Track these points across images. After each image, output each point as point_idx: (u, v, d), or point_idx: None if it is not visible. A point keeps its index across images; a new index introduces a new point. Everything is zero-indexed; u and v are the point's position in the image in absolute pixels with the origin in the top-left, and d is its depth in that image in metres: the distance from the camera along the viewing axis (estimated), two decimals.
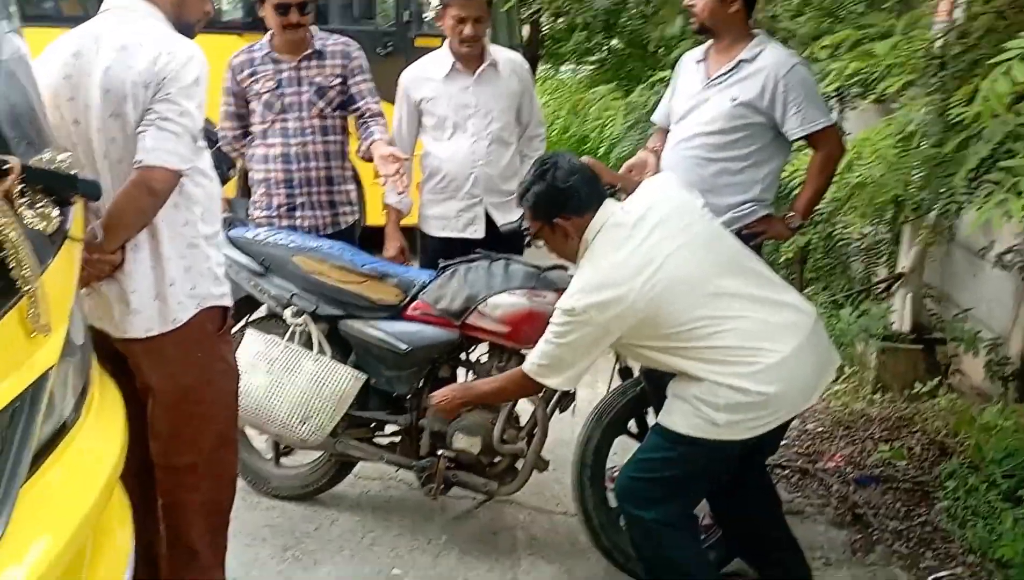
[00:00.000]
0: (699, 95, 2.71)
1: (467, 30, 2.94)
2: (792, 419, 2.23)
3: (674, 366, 2.10)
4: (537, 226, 2.23)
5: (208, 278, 2.03)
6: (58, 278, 1.47)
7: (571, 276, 2.54)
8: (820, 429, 3.50)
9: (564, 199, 2.16)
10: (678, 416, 2.10)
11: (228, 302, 2.10)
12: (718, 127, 2.64)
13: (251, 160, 3.13)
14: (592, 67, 10.22)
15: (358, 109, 3.06)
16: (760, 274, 2.18)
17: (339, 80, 3.04)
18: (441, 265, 2.72)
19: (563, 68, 12.10)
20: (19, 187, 1.34)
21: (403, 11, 5.62)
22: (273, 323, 2.81)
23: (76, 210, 1.64)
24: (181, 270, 1.97)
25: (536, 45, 9.23)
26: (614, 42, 9.01)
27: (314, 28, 3.07)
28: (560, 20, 6.88)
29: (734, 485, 2.27)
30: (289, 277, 2.70)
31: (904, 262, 3.94)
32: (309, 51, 3.03)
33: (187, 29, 2.04)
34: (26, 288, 1.31)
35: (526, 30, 8.90)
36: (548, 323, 2.50)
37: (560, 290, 2.55)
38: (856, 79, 3.31)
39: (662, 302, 2.03)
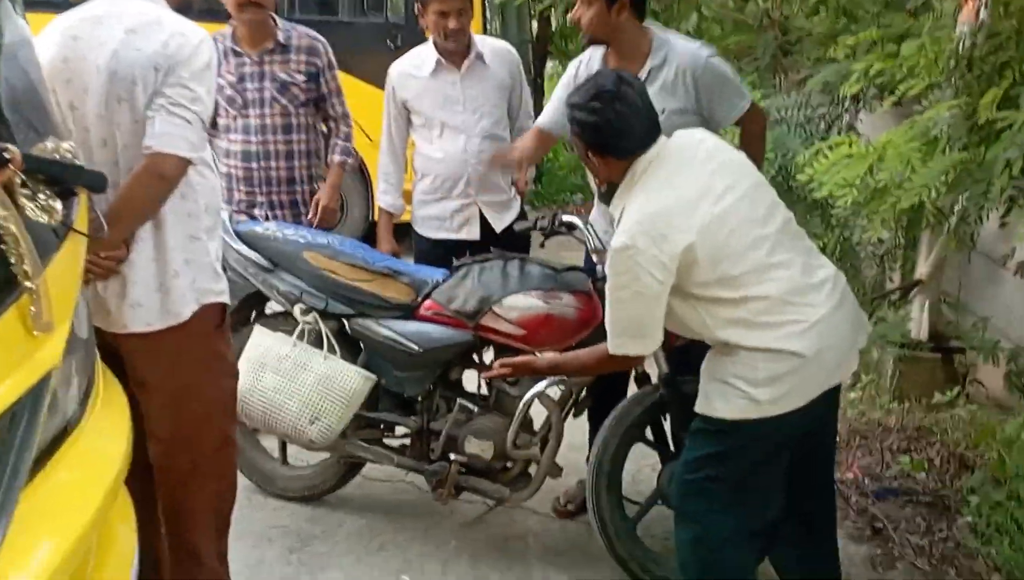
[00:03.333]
0: None
1: (451, 23, 2.82)
2: (836, 403, 2.13)
3: (712, 331, 1.97)
4: (581, 148, 2.06)
5: (208, 273, 1.97)
6: (61, 274, 1.39)
7: (595, 267, 2.46)
8: (836, 439, 3.42)
9: (605, 140, 2.00)
10: (718, 401, 1.98)
11: (226, 299, 2.04)
12: None
13: (216, 152, 3.05)
14: None
15: (324, 110, 3.03)
16: (798, 232, 2.08)
17: (304, 77, 2.96)
18: (455, 264, 2.64)
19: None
20: (20, 178, 1.26)
21: (414, 3, 5.54)
22: (282, 320, 2.73)
23: (80, 203, 1.56)
24: (182, 263, 1.91)
25: (545, 41, 9.14)
26: None
27: (278, 19, 3.00)
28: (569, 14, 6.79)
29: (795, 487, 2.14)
30: (299, 273, 2.62)
31: (922, 269, 3.85)
32: (272, 44, 2.95)
33: (185, 7, 1.98)
34: (27, 284, 1.23)
35: (535, 25, 8.80)
36: (564, 327, 2.45)
37: (578, 292, 2.49)
38: (878, 81, 3.23)
39: (717, 238, 1.92)
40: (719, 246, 1.93)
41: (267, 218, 3.03)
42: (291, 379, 2.54)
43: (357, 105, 3.74)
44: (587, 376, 2.45)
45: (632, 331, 2.02)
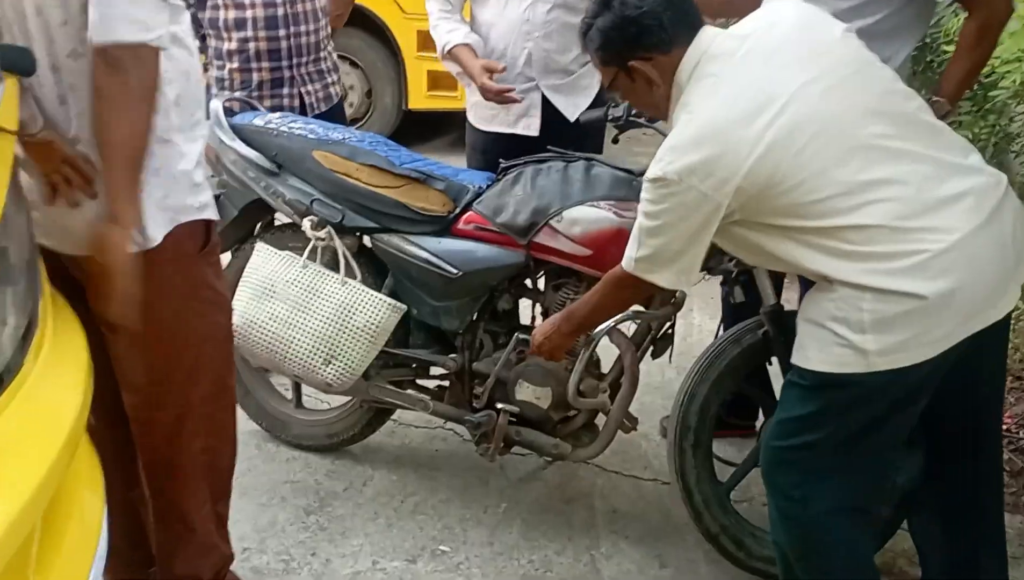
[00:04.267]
0: None
1: None
2: (1000, 344, 1.85)
3: (799, 262, 1.74)
4: (610, 75, 1.88)
5: (184, 184, 1.78)
6: None
7: None
8: (1002, 387, 3.17)
9: (639, 32, 1.80)
10: (814, 349, 1.75)
11: (212, 214, 1.87)
12: None
13: (211, 27, 2.84)
14: None
15: None
16: (927, 124, 1.77)
17: None
18: (502, 166, 2.43)
19: None
20: None
21: None
22: (290, 234, 2.58)
23: (6, 90, 1.38)
24: (149, 173, 1.71)
25: None
26: None
27: None
28: None
29: (938, 451, 1.92)
30: (308, 177, 2.45)
31: None
32: None
33: None
34: None
35: None
36: None
37: None
38: None
39: (786, 156, 1.66)
40: (786, 171, 1.66)
41: (300, 100, 2.89)
42: (302, 309, 2.39)
43: None
44: (606, 318, 2.18)
45: (660, 258, 1.81)
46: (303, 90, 2.90)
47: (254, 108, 2.70)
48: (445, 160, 2.65)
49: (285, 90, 2.87)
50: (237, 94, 2.78)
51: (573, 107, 2.78)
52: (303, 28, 2.84)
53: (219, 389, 1.97)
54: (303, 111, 2.92)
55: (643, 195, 1.79)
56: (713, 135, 1.69)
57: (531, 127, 2.78)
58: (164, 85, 1.70)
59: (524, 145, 2.69)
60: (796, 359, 1.81)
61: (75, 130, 1.65)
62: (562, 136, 2.65)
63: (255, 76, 2.84)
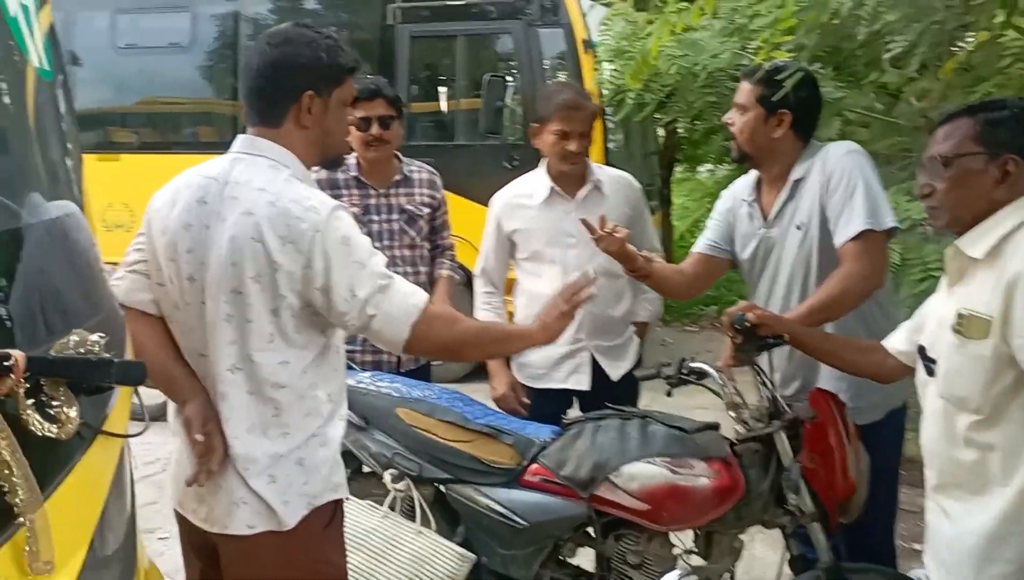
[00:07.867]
0: (763, 243, 2.36)
1: (572, 146, 2.67)
2: None
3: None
4: (973, 161, 1.59)
5: (324, 471, 1.72)
6: (77, 494, 1.20)
7: (727, 438, 2.13)
8: None
9: None
10: None
11: (343, 493, 1.79)
12: (803, 271, 2.27)
13: None
14: (731, 167, 9.90)
15: (434, 241, 2.98)
16: None
17: (428, 209, 2.91)
18: (564, 421, 2.38)
19: (701, 169, 11.76)
20: (26, 385, 1.09)
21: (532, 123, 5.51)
22: (373, 482, 2.47)
23: (120, 397, 1.39)
24: (292, 463, 1.69)
25: (673, 148, 9.04)
26: None
27: (400, 155, 2.96)
28: (697, 123, 6.61)
29: None
30: (392, 432, 2.39)
31: None
32: (398, 177, 2.89)
33: (336, 163, 1.88)
34: (19, 520, 1.05)
35: (661, 132, 8.71)
36: (696, 501, 2.10)
37: (713, 458, 2.13)
38: None
39: None
40: None
41: (398, 369, 2.83)
42: (380, 559, 2.27)
43: (475, 230, 3.59)
44: None
45: None
46: (400, 361, 2.84)
47: (350, 367, 2.71)
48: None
49: (385, 356, 2.82)
50: None
51: (616, 368, 2.78)
52: None
53: None
54: (398, 366, 2.85)
55: None
56: None
57: (582, 382, 2.75)
58: (319, 385, 1.70)
59: (569, 398, 2.75)
60: None
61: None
62: (605, 392, 2.66)
63: (356, 357, 2.78)
